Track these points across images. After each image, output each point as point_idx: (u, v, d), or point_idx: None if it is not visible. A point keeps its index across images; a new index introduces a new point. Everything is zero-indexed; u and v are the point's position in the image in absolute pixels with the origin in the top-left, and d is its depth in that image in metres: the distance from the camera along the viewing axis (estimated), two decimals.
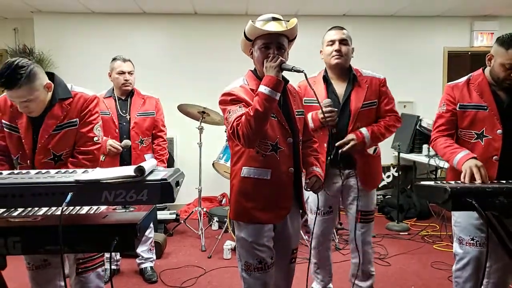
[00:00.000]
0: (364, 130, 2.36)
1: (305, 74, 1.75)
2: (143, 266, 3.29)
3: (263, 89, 1.70)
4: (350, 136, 2.33)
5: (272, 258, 1.90)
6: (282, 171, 1.87)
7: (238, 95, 1.82)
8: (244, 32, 1.86)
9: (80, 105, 1.99)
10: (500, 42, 1.98)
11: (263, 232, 1.87)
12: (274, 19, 1.82)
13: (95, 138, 2.03)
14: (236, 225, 1.95)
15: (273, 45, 1.80)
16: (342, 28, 2.46)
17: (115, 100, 3.11)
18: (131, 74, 3.11)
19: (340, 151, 2.33)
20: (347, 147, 2.32)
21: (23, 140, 1.94)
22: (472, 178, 1.85)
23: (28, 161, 1.96)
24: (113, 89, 3.16)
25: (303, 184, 2.02)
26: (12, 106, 1.95)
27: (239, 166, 1.89)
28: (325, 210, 2.51)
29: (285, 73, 1.83)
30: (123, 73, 3.06)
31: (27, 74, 1.78)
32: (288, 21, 1.83)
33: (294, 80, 2.50)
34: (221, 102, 1.86)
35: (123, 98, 3.13)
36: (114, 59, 3.13)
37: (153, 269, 3.30)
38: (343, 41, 2.41)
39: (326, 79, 2.47)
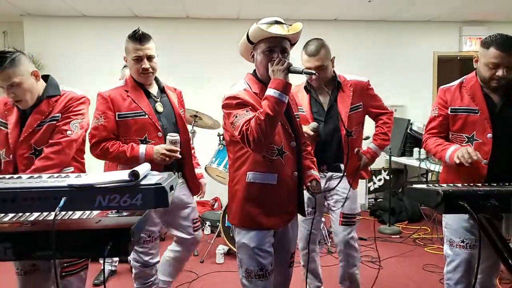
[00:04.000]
0: (371, 145, 2.53)
1: (319, 76, 1.75)
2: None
3: (272, 92, 1.68)
4: (363, 160, 2.48)
5: (272, 264, 1.88)
6: (287, 176, 1.86)
7: (244, 98, 1.78)
8: (248, 35, 1.82)
9: (66, 101, 2.03)
10: (482, 42, 2.03)
11: (265, 238, 1.85)
12: (277, 22, 1.79)
13: (68, 132, 2.00)
14: (237, 231, 1.91)
15: (278, 48, 1.78)
16: (317, 51, 2.37)
17: None
18: None
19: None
20: (362, 167, 2.50)
21: (9, 135, 1.98)
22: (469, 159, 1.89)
23: (11, 155, 1.99)
24: None
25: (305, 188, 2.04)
26: (6, 105, 2.02)
27: (243, 171, 1.84)
28: (308, 210, 2.51)
29: None
30: None
31: (12, 58, 1.87)
32: (291, 25, 1.81)
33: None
34: (226, 106, 1.81)
35: None
36: (125, 67, 3.17)
37: None
38: (320, 67, 2.37)
39: (307, 90, 2.52)
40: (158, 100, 2.28)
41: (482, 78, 2.07)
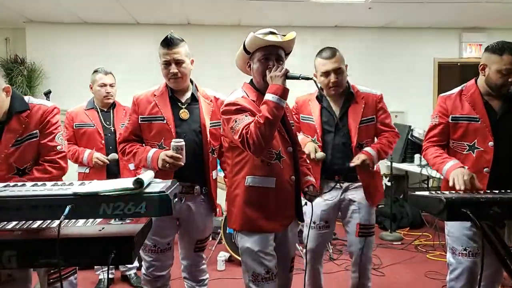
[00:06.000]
0: (369, 149, 2.37)
1: (315, 81, 1.80)
2: (127, 273, 3.34)
3: (270, 97, 1.74)
4: (361, 156, 2.32)
5: (276, 267, 1.91)
6: (285, 180, 1.90)
7: (243, 104, 1.84)
8: (244, 45, 1.89)
9: (39, 116, 1.96)
10: (492, 50, 2.02)
11: (267, 241, 1.89)
12: (272, 33, 1.86)
13: (58, 147, 2.00)
14: (239, 236, 1.94)
15: (273, 56, 1.85)
16: (333, 54, 2.36)
17: (97, 112, 3.09)
18: (112, 86, 3.11)
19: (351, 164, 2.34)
20: (358, 163, 2.30)
21: None
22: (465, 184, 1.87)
23: None
24: (93, 101, 3.14)
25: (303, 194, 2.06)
26: None
27: (242, 175, 1.89)
28: (320, 224, 2.49)
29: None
30: (104, 85, 3.06)
31: None
32: (285, 35, 1.87)
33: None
34: (225, 112, 1.87)
35: (105, 110, 3.12)
36: (95, 71, 3.12)
37: (137, 274, 3.31)
38: (338, 70, 2.35)
39: (319, 100, 2.47)
40: (184, 107, 2.23)
41: (491, 85, 2.05)
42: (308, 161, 2.36)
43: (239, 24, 5.33)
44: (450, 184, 1.93)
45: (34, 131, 1.95)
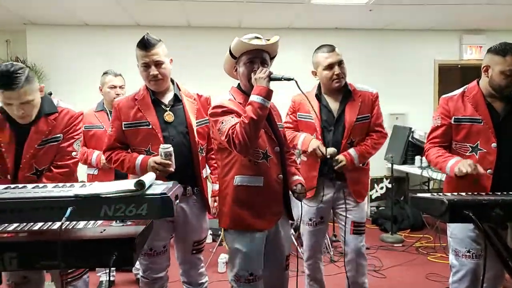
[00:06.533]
0: (352, 151, 2.42)
1: (296, 82, 1.82)
2: (139, 276, 3.30)
3: (255, 98, 1.79)
4: (341, 158, 2.39)
5: (262, 270, 1.95)
6: (272, 178, 1.95)
7: (229, 106, 1.91)
8: (230, 50, 1.95)
9: (66, 120, 2.00)
10: (495, 51, 2.02)
11: (256, 241, 1.92)
12: (256, 37, 1.94)
13: (73, 153, 2.05)
14: (228, 235, 1.98)
15: (258, 59, 1.92)
16: (333, 48, 2.45)
17: (107, 114, 3.10)
18: (122, 88, 3.12)
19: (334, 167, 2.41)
20: (337, 167, 2.38)
21: (4, 154, 1.92)
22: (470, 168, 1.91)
23: (9, 175, 1.93)
24: (103, 103, 3.15)
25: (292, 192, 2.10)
26: None
27: (231, 176, 1.94)
28: (317, 220, 2.53)
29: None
30: (114, 87, 3.07)
31: (26, 74, 1.83)
32: (269, 40, 1.95)
33: (287, 92, 2.53)
34: (212, 114, 1.93)
35: None
36: (105, 73, 3.13)
37: None
38: (341, 62, 2.42)
39: (318, 98, 2.51)
40: (168, 109, 2.16)
41: (495, 87, 2.05)
42: (306, 159, 2.46)
43: (240, 26, 5.33)
44: (456, 172, 1.94)
45: (59, 135, 1.99)
